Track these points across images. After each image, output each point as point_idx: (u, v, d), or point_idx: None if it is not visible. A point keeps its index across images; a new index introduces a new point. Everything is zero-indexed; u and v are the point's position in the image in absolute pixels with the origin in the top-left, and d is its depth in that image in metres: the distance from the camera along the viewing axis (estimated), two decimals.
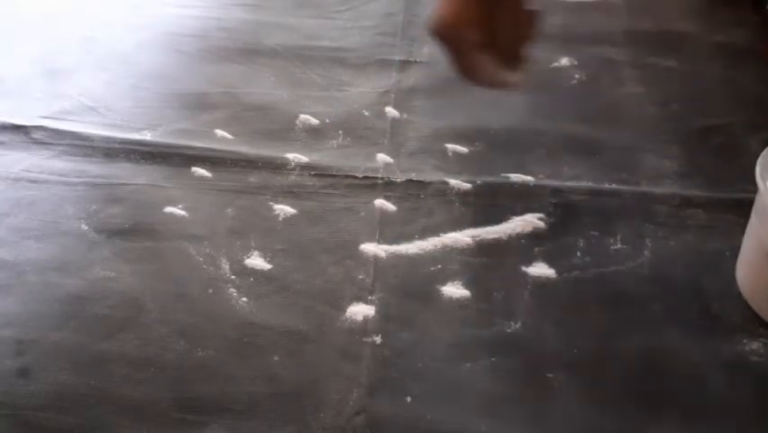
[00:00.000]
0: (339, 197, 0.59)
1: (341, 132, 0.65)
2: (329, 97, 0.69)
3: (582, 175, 0.60)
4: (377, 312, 0.50)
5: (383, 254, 0.54)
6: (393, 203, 0.58)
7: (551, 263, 0.53)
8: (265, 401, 0.45)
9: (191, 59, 0.75)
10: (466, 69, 0.50)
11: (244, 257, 0.54)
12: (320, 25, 0.79)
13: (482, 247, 0.55)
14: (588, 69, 0.72)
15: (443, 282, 0.52)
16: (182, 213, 0.57)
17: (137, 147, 0.63)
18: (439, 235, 0.55)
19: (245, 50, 0.75)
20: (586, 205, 0.58)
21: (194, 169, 0.61)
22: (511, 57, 0.50)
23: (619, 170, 0.60)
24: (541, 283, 0.52)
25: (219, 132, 0.65)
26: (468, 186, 0.59)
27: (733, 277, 0.51)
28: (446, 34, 0.48)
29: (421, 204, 0.58)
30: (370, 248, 0.54)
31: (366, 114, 0.67)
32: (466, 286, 0.52)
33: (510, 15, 0.49)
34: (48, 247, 0.55)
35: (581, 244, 0.54)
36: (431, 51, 0.74)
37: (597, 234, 0.55)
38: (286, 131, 0.65)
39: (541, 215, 0.57)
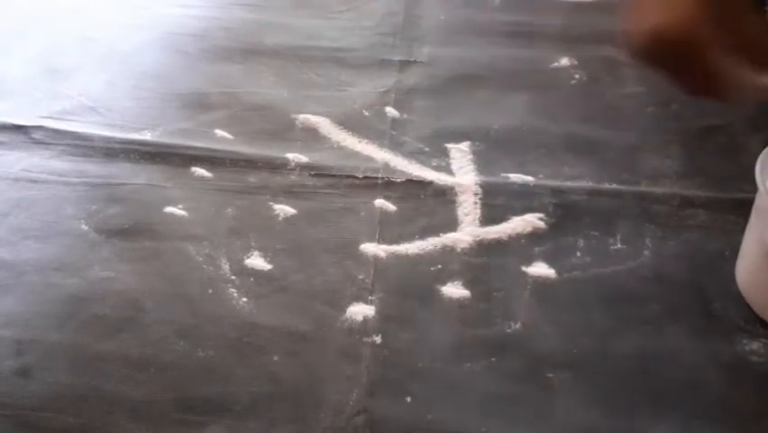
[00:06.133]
0: (339, 197, 0.59)
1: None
2: (329, 97, 0.69)
3: (582, 175, 0.60)
4: (377, 312, 0.50)
5: (383, 254, 0.54)
6: (393, 203, 0.58)
7: (551, 263, 0.53)
8: (265, 401, 0.45)
9: (191, 59, 0.75)
10: (710, 80, 0.39)
11: (244, 257, 0.54)
12: (320, 25, 0.79)
13: (482, 247, 0.55)
14: (588, 69, 0.72)
15: (443, 282, 0.52)
16: (182, 213, 0.57)
17: (137, 147, 0.63)
18: (439, 235, 0.55)
19: (245, 50, 0.75)
20: (586, 205, 0.57)
21: (194, 169, 0.61)
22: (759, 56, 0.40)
23: (619, 170, 0.60)
24: (541, 283, 0.52)
25: (219, 132, 0.65)
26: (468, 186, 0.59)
27: (733, 277, 0.51)
28: (678, 42, 0.37)
29: (421, 204, 0.58)
30: (369, 248, 0.54)
31: (366, 114, 0.67)
32: (466, 286, 0.52)
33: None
34: (48, 247, 0.55)
35: (581, 244, 0.54)
36: (431, 51, 0.74)
37: (597, 234, 0.55)
38: (286, 131, 0.65)
39: (541, 215, 0.57)
